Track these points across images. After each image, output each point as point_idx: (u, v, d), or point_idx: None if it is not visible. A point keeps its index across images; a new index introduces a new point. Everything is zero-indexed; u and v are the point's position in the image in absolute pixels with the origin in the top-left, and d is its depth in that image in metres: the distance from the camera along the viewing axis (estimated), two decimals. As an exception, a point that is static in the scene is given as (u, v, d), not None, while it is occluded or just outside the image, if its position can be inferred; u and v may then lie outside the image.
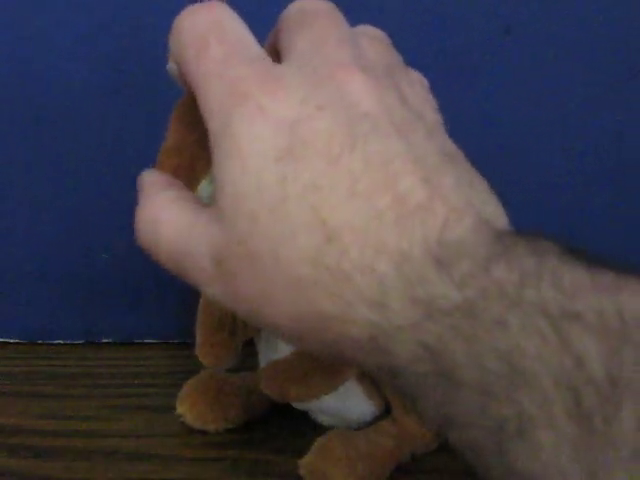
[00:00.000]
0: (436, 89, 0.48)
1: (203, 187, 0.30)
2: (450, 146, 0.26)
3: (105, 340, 0.53)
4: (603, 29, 0.48)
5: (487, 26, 0.48)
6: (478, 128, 0.49)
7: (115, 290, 0.52)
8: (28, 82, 0.48)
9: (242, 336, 0.39)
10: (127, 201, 0.50)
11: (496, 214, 0.24)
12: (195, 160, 0.30)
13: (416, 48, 0.48)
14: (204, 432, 0.41)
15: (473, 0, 0.47)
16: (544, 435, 0.18)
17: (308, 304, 0.22)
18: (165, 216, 0.26)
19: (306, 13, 0.26)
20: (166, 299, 0.52)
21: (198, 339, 0.39)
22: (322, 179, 0.22)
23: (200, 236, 0.24)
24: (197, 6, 0.26)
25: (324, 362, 0.35)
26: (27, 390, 0.46)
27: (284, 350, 0.37)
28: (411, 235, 0.21)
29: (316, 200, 0.22)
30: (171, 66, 0.32)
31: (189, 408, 0.41)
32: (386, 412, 0.39)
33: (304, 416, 0.40)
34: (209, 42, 0.24)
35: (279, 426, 0.41)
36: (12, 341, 0.53)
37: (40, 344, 0.53)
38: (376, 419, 0.39)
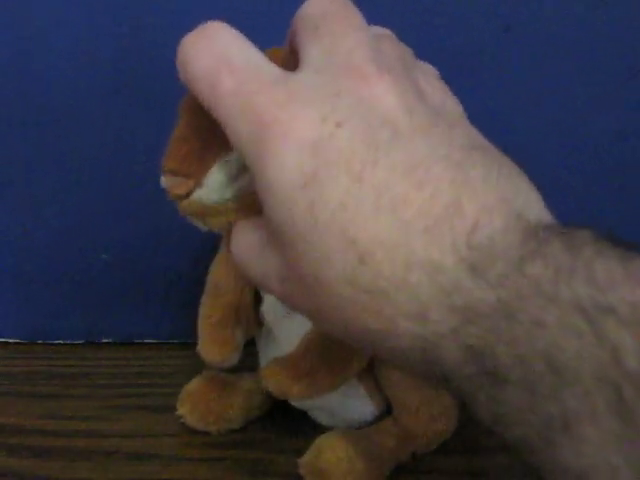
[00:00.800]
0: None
1: (213, 173, 0.30)
2: (475, 137, 0.26)
3: (105, 340, 0.53)
4: (603, 29, 0.48)
5: (487, 25, 0.48)
6: (477, 128, 0.49)
7: (115, 290, 0.52)
8: (27, 81, 0.48)
9: (244, 334, 0.39)
10: (127, 201, 0.50)
11: (530, 203, 0.24)
12: (206, 146, 0.30)
13: (416, 48, 0.48)
14: (204, 432, 0.41)
15: (473, 0, 0.48)
16: (589, 430, 0.19)
17: (353, 321, 0.23)
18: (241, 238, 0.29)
19: (321, 13, 0.26)
20: (166, 299, 0.52)
21: (200, 337, 0.39)
22: (348, 198, 0.22)
23: (268, 259, 0.26)
24: (198, 34, 0.27)
25: (327, 360, 0.35)
26: (27, 390, 0.46)
27: (286, 349, 0.37)
28: (440, 243, 0.21)
29: (344, 221, 0.22)
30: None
31: (190, 409, 0.41)
32: (387, 412, 0.39)
33: (304, 416, 0.40)
34: (220, 74, 0.24)
35: (279, 426, 0.41)
36: (12, 341, 0.53)
37: (40, 344, 0.53)
38: (377, 419, 0.39)
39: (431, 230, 0.21)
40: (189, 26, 0.43)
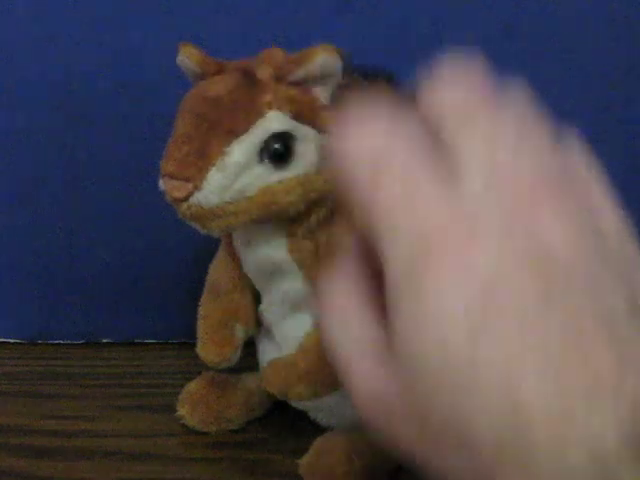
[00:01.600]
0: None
1: (212, 176, 0.30)
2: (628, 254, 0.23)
3: (105, 340, 0.53)
4: (603, 29, 0.48)
5: (487, 26, 0.48)
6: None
7: (115, 290, 0.52)
8: (26, 81, 0.48)
9: (244, 334, 0.39)
10: (127, 202, 0.50)
11: None
12: (206, 147, 0.30)
13: (416, 48, 0.48)
14: (204, 432, 0.41)
15: (473, 0, 0.48)
16: None
17: (487, 471, 0.20)
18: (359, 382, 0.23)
19: (470, 107, 0.23)
20: (166, 299, 0.52)
21: (199, 337, 0.39)
22: (515, 346, 0.19)
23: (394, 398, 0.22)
24: (360, 129, 0.22)
25: (327, 361, 0.35)
26: (27, 390, 0.46)
27: (286, 349, 0.37)
28: (603, 420, 0.19)
29: (508, 369, 0.19)
30: (182, 59, 0.33)
31: (190, 410, 0.41)
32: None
33: (304, 416, 0.40)
34: (382, 178, 0.21)
35: (279, 426, 0.41)
36: (12, 341, 0.53)
37: (40, 344, 0.53)
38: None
39: (594, 411, 0.19)
40: (188, 26, 0.43)
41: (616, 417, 0.19)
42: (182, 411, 0.41)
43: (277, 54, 0.33)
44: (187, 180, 0.30)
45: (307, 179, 0.32)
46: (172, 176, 0.30)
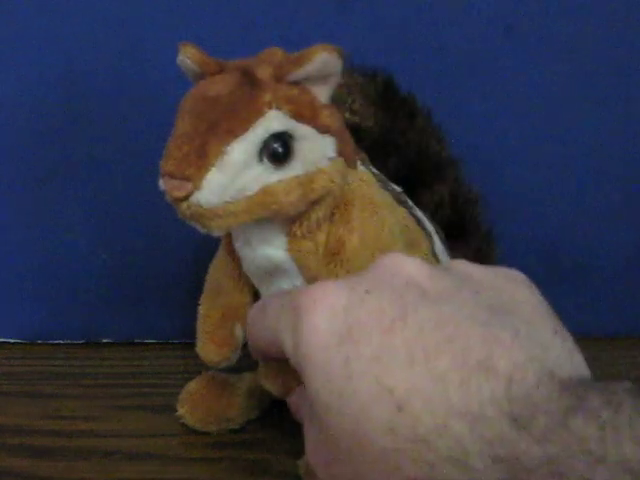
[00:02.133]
0: (436, 89, 0.49)
1: (212, 176, 0.30)
2: (504, 296, 0.26)
3: (105, 340, 0.53)
4: (604, 29, 0.48)
5: (488, 25, 0.48)
6: (478, 128, 0.49)
7: (115, 290, 0.52)
8: (26, 82, 0.48)
9: (243, 334, 0.39)
10: (127, 201, 0.50)
11: (561, 360, 0.24)
12: (206, 146, 0.30)
13: (416, 48, 0.48)
14: (204, 432, 0.41)
15: (473, 0, 0.48)
16: None
17: (395, 472, 0.23)
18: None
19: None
20: (166, 299, 0.52)
21: (199, 336, 0.39)
22: (381, 351, 0.23)
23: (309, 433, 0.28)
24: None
25: None
26: (27, 390, 0.46)
27: None
28: (478, 396, 0.21)
29: (379, 371, 0.23)
30: (182, 59, 0.33)
31: (190, 410, 0.41)
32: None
33: (304, 416, 0.40)
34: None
35: (279, 426, 0.41)
36: (12, 341, 0.53)
37: (40, 344, 0.52)
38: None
39: (467, 383, 0.22)
40: (186, 27, 0.43)
41: (491, 397, 0.21)
42: (182, 411, 0.41)
43: (277, 54, 0.33)
44: (187, 179, 0.29)
45: (307, 179, 0.32)
46: (172, 175, 0.30)
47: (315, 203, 0.33)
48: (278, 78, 0.31)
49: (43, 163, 0.50)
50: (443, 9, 0.47)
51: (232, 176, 0.30)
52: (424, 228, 0.39)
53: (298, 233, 0.34)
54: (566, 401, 0.21)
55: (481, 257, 0.45)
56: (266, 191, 0.31)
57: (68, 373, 0.48)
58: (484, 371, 0.22)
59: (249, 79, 0.31)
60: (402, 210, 0.38)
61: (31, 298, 0.52)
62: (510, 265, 0.49)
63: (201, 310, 0.40)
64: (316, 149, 0.32)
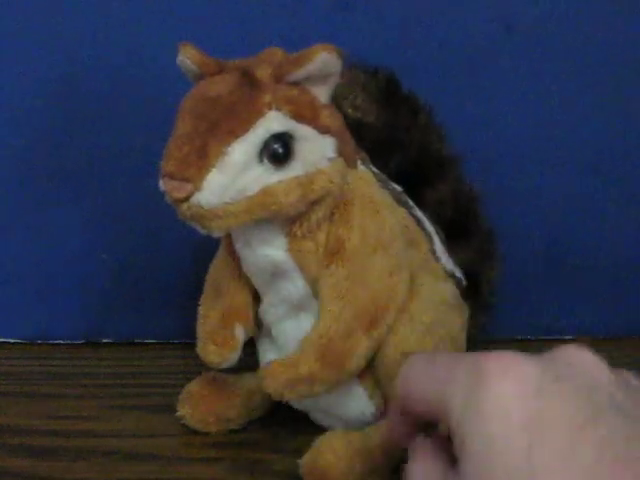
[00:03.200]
0: (436, 89, 0.49)
1: (212, 177, 0.29)
2: None
3: (105, 340, 0.53)
4: (604, 28, 0.48)
5: (488, 25, 0.48)
6: (478, 128, 0.49)
7: (115, 290, 0.52)
8: (28, 82, 0.48)
9: (243, 334, 0.39)
10: (127, 201, 0.50)
11: None
12: (206, 147, 0.30)
13: (416, 47, 0.48)
14: (204, 432, 0.41)
15: (473, 0, 0.48)
16: None
17: None
18: None
19: None
20: (166, 299, 0.52)
21: (199, 337, 0.39)
22: (570, 448, 0.21)
23: None
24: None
25: (325, 363, 0.35)
26: (27, 390, 0.46)
27: (285, 350, 0.37)
28: None
29: (563, 470, 0.21)
30: (182, 59, 0.33)
31: (190, 410, 0.41)
32: (386, 412, 0.39)
33: (304, 416, 0.40)
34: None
35: (279, 426, 0.41)
36: (12, 341, 0.53)
37: (40, 344, 0.53)
38: (377, 419, 0.39)
39: None
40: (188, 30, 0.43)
41: None
42: (182, 411, 0.41)
43: (276, 54, 0.33)
44: (187, 180, 0.29)
45: (307, 180, 0.32)
46: (172, 176, 0.30)
47: (315, 203, 0.33)
48: (278, 78, 0.31)
49: (43, 163, 0.50)
50: (443, 9, 0.47)
51: (232, 177, 0.30)
52: (424, 228, 0.39)
53: (298, 233, 0.34)
54: None
55: (483, 256, 0.45)
56: (266, 192, 0.31)
57: (68, 373, 0.48)
58: None
59: (249, 79, 0.31)
60: (402, 210, 0.38)
61: (31, 298, 0.52)
62: (510, 265, 0.49)
63: (201, 310, 0.40)
64: (316, 150, 0.32)
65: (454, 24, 0.48)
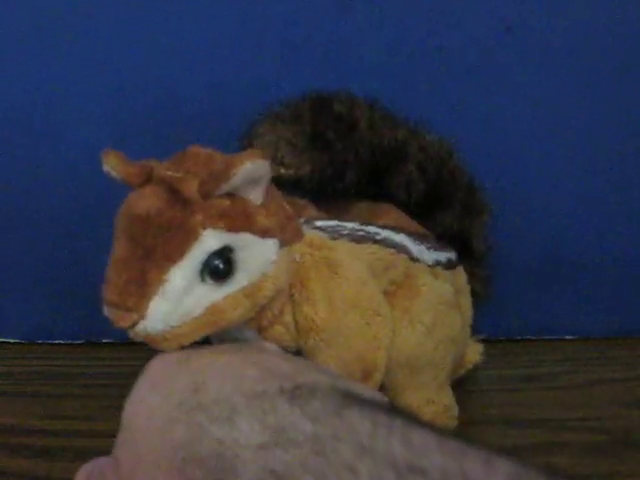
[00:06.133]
0: (436, 89, 0.49)
1: (155, 305, 0.29)
2: None
3: (105, 340, 0.53)
4: (603, 28, 0.48)
5: (487, 25, 0.48)
6: (478, 127, 0.49)
7: (115, 290, 0.52)
8: (29, 92, 0.48)
9: None
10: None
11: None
12: (146, 275, 0.29)
13: (416, 47, 0.48)
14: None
15: (473, 0, 0.48)
16: None
17: (167, 441, 0.25)
18: None
19: None
20: (166, 299, 0.52)
21: None
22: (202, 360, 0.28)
23: None
24: None
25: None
26: (27, 390, 0.46)
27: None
28: (272, 375, 0.25)
29: (195, 378, 0.27)
30: (107, 170, 0.32)
31: None
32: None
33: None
34: None
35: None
36: (12, 341, 0.53)
37: (40, 344, 0.53)
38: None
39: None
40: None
41: (279, 384, 0.25)
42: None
43: (199, 158, 0.31)
44: (130, 310, 0.29)
45: (253, 289, 0.31)
46: (115, 306, 0.29)
47: (270, 301, 0.33)
48: (205, 195, 0.29)
49: (42, 163, 0.50)
50: (443, 9, 0.47)
51: (175, 302, 0.29)
52: (394, 245, 0.38)
53: (265, 323, 0.34)
54: (345, 399, 0.23)
55: (468, 212, 0.44)
56: (213, 310, 0.30)
57: (68, 373, 0.48)
58: None
59: (176, 197, 0.30)
60: (366, 246, 0.36)
61: (31, 298, 0.52)
62: (510, 264, 0.49)
63: None
64: (258, 255, 0.31)
65: (454, 25, 0.48)
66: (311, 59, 0.48)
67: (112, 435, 0.41)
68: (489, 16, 0.48)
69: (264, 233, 0.31)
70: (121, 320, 0.29)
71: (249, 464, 0.23)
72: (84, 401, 0.44)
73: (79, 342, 0.53)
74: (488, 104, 0.49)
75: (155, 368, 0.30)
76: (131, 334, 0.30)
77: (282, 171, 0.38)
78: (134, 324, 0.29)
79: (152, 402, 0.28)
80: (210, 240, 0.29)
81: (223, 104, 0.48)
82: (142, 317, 0.29)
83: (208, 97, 0.48)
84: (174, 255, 0.29)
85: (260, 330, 0.34)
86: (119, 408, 0.44)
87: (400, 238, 0.38)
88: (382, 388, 0.38)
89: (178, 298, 0.29)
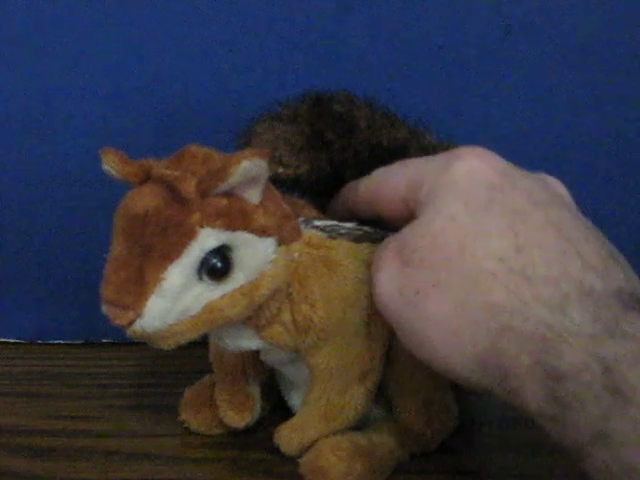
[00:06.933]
0: (436, 89, 0.49)
1: (152, 303, 0.29)
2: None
3: (105, 340, 0.53)
4: (603, 29, 0.48)
5: (487, 26, 0.48)
6: (478, 128, 0.49)
7: (115, 290, 0.52)
8: (30, 96, 0.48)
9: (258, 387, 0.40)
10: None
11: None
12: (143, 273, 0.29)
13: (416, 47, 0.48)
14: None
15: (473, 0, 0.48)
16: None
17: (480, 294, 0.26)
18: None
19: None
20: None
21: (219, 403, 0.40)
22: (522, 207, 0.28)
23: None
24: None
25: (327, 417, 0.36)
26: (27, 390, 0.46)
27: (298, 384, 0.38)
28: (595, 272, 0.25)
29: (514, 220, 0.27)
30: (106, 168, 0.32)
31: (193, 415, 0.41)
32: (387, 412, 0.39)
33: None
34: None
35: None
36: (12, 341, 0.53)
37: (40, 344, 0.53)
38: (377, 419, 0.39)
39: (586, 261, 0.26)
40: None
41: (615, 280, 0.25)
42: (184, 415, 0.41)
43: (197, 157, 0.31)
44: (127, 308, 0.29)
45: (251, 287, 0.31)
46: (113, 304, 0.29)
47: (268, 299, 0.33)
48: (203, 193, 0.30)
49: (42, 162, 0.50)
50: (443, 9, 0.47)
51: (172, 300, 0.29)
52: None
53: (263, 322, 0.34)
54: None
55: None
56: (210, 309, 0.30)
57: (68, 373, 0.48)
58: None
59: (174, 195, 0.30)
60: (364, 245, 0.36)
61: (31, 298, 0.52)
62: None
63: (214, 378, 0.40)
64: (256, 254, 0.31)
65: (453, 25, 0.48)
66: (311, 59, 0.48)
67: (112, 435, 0.41)
68: (489, 16, 0.48)
69: (262, 232, 0.31)
70: (118, 318, 0.29)
71: (577, 349, 0.23)
72: (84, 401, 0.45)
73: (79, 342, 0.53)
74: (488, 104, 0.49)
75: (466, 184, 0.29)
76: (129, 332, 0.30)
77: (280, 170, 0.38)
78: (131, 322, 0.29)
79: (468, 227, 0.28)
80: (208, 239, 0.29)
81: (223, 104, 0.48)
82: (139, 315, 0.29)
83: (207, 97, 0.48)
84: (172, 253, 0.29)
85: (258, 329, 0.34)
86: (119, 408, 0.44)
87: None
88: (380, 388, 0.38)
89: (175, 296, 0.29)
